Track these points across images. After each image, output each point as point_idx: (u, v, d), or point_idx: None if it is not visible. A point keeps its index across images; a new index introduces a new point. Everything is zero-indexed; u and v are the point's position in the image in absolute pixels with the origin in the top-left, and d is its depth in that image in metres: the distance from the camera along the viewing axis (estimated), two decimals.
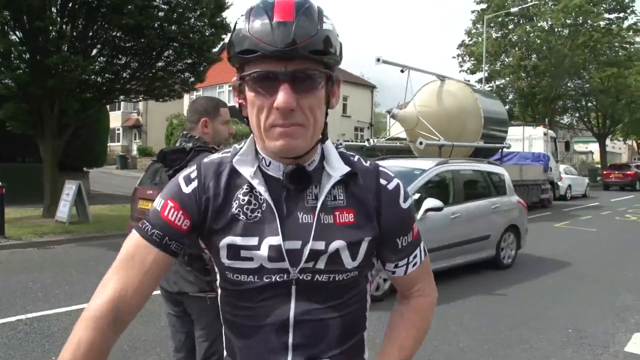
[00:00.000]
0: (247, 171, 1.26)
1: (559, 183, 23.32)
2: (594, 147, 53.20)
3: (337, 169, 1.27)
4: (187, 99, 33.27)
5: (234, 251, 1.24)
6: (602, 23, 34.90)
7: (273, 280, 1.24)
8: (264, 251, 1.22)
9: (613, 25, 35.52)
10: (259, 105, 1.16)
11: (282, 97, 1.11)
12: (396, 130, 18.01)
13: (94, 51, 13.43)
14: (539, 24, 35.18)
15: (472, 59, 36.82)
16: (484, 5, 35.91)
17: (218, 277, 1.33)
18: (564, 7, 32.47)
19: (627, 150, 65.55)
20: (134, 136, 45.62)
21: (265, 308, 1.26)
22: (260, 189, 1.24)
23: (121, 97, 15.47)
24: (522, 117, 38.15)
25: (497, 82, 38.11)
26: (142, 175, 9.56)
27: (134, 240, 1.26)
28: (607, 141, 47.27)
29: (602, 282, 8.01)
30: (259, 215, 1.24)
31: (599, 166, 43.15)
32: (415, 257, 1.39)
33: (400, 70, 15.15)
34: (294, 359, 1.26)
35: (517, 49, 36.43)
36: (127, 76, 14.03)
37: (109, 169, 31.66)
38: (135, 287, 1.21)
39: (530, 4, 32.99)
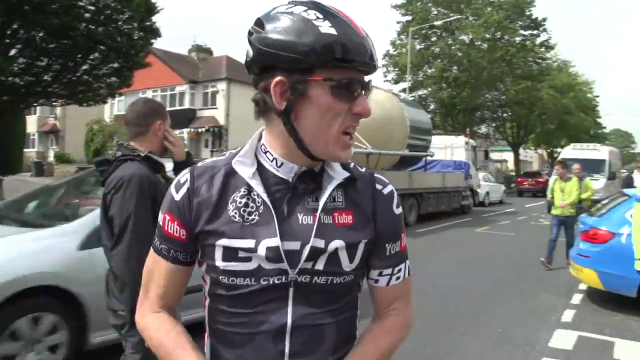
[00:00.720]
0: (246, 172, 1.27)
1: (478, 190, 24.29)
2: (508, 155, 55.72)
3: (338, 172, 1.31)
4: (109, 103, 32.27)
5: (231, 252, 1.24)
6: (517, 39, 36.81)
7: (271, 282, 1.24)
8: (261, 252, 1.22)
9: (527, 42, 37.53)
10: (338, 110, 1.20)
11: (366, 104, 1.22)
12: None
13: (13, 51, 12.83)
14: (460, 38, 36.60)
15: (397, 69, 37.80)
16: (409, 17, 37.01)
17: (208, 284, 1.32)
18: (484, 22, 34.00)
19: (538, 158, 68.97)
20: (51, 142, 43.66)
21: (262, 314, 1.25)
22: (259, 189, 1.25)
23: (41, 100, 14.85)
24: (443, 127, 39.47)
25: (420, 92, 39.33)
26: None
27: (151, 256, 1.38)
28: (520, 150, 49.64)
29: (523, 284, 8.45)
30: (256, 217, 1.25)
31: (513, 174, 45.24)
32: (400, 270, 1.39)
33: None
34: None
35: (439, 60, 37.74)
36: (49, 79, 13.51)
37: (23, 177, 30.02)
38: (167, 294, 1.37)
39: (453, 18, 34.32)
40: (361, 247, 1.29)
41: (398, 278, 1.39)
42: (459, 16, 34.70)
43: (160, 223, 1.33)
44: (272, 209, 1.24)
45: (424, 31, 36.30)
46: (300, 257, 1.23)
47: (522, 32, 37.39)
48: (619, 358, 5.27)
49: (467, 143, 22.89)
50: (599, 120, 54.69)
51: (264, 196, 1.25)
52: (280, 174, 1.28)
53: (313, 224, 1.24)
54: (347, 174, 1.31)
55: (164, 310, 1.36)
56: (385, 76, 38.83)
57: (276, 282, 1.24)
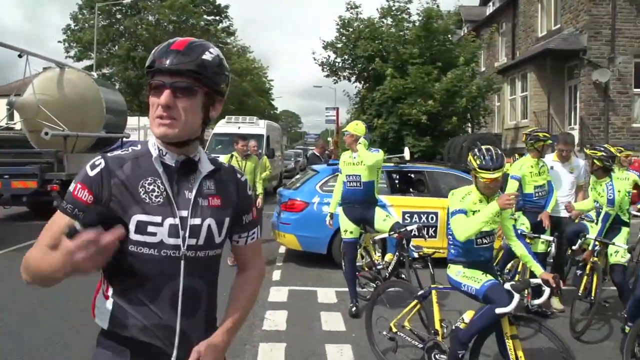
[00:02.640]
0: (154, 163, 1.70)
1: None
2: None
3: (206, 167, 1.79)
4: None
5: (142, 226, 1.64)
6: (202, 23, 38.17)
7: (168, 254, 1.66)
8: (165, 227, 1.65)
9: (211, 27, 39.22)
10: (152, 102, 1.66)
11: (163, 97, 1.63)
12: None
13: None
14: (148, 18, 36.34)
15: (79, 45, 35.80)
16: None
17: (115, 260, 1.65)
18: (170, 4, 34.39)
19: None
20: None
21: (161, 281, 1.66)
22: (164, 178, 1.69)
23: None
24: (130, 107, 38.88)
25: (105, 71, 37.97)
26: None
27: (55, 215, 1.68)
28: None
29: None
30: (161, 199, 1.67)
31: None
32: (254, 233, 1.94)
33: (18, 55, 14.18)
34: (181, 323, 1.69)
35: (124, 39, 36.93)
36: None
37: None
38: (54, 242, 1.56)
39: None
40: (226, 223, 1.80)
41: (253, 239, 1.95)
42: None
43: (71, 190, 1.67)
44: (172, 196, 1.68)
45: (108, 7, 35.05)
46: (186, 234, 1.68)
47: (206, 17, 38.93)
48: (322, 301, 6.58)
49: None
50: (272, 102, 60.30)
51: (167, 185, 1.69)
52: (166, 160, 1.72)
53: (189, 204, 1.71)
54: (212, 167, 1.80)
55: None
56: (68, 52, 36.48)
57: (172, 255, 1.67)
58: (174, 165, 1.72)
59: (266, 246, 9.94)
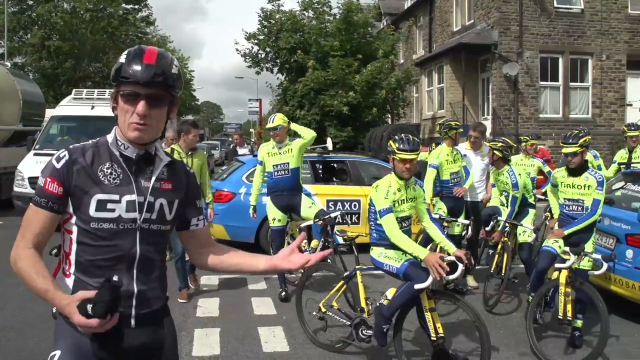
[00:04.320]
0: (113, 151, 1.95)
1: None
2: None
3: (164, 158, 2.05)
4: None
5: (102, 204, 1.87)
6: (120, 12, 36.98)
7: (126, 227, 1.90)
8: (123, 204, 1.90)
9: (130, 15, 38.06)
10: (126, 108, 1.89)
11: (140, 107, 1.87)
12: None
13: None
14: (63, 5, 34.86)
15: None
16: None
17: (75, 233, 1.90)
18: None
19: None
20: None
21: (119, 251, 1.90)
22: (121, 162, 1.94)
23: None
24: (45, 98, 37.25)
25: (17, 60, 36.14)
26: None
27: (31, 209, 1.90)
28: None
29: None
30: (118, 181, 1.91)
31: None
32: (204, 217, 2.24)
33: None
34: (137, 286, 1.94)
35: (37, 27, 35.28)
36: None
37: None
38: (39, 236, 1.88)
39: None
40: (176, 204, 2.05)
41: (205, 222, 2.25)
42: None
43: (41, 184, 1.87)
44: (130, 175, 1.94)
45: None
46: (143, 209, 1.94)
47: (124, 5, 37.73)
48: (252, 288, 6.81)
49: None
50: (193, 93, 59.44)
51: (125, 166, 1.95)
52: (127, 153, 1.96)
53: (149, 186, 1.97)
54: (169, 159, 2.07)
55: (34, 248, 1.86)
56: None
57: (128, 227, 1.91)
58: (134, 157, 1.96)
59: None
